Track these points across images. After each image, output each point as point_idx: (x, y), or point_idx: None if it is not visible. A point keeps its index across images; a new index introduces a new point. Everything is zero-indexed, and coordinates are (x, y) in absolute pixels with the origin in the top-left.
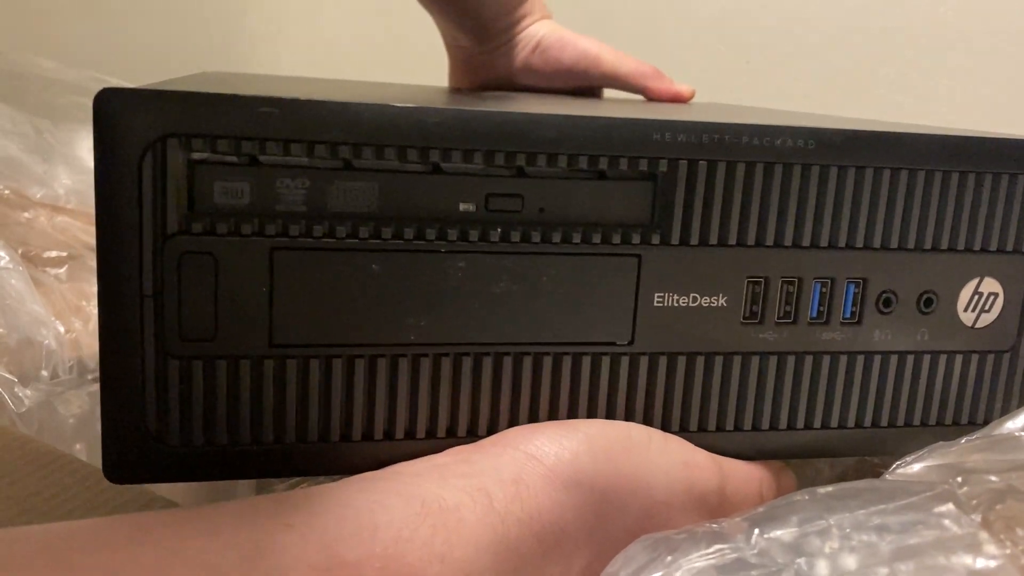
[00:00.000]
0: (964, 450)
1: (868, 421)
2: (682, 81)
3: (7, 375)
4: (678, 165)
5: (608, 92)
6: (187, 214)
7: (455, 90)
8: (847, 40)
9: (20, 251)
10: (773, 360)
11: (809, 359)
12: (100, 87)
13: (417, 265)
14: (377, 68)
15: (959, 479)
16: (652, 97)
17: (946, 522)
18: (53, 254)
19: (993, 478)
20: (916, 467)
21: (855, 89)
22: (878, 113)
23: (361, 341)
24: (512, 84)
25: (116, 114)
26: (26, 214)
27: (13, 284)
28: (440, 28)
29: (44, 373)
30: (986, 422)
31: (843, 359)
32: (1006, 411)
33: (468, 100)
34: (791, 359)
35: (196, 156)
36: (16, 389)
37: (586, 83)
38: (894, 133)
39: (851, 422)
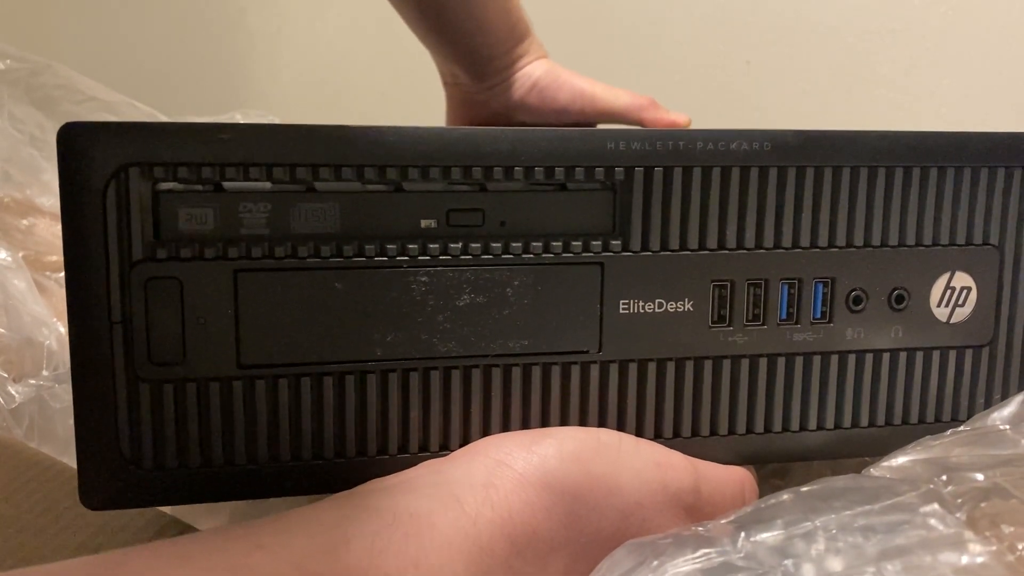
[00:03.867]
0: (950, 444)
1: (848, 422)
2: (681, 80)
3: (0, 372)
4: (634, 173)
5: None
6: (152, 241)
7: None
8: (847, 40)
9: (21, 254)
10: (745, 363)
11: (782, 360)
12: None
13: (380, 281)
14: (377, 68)
15: (944, 477)
16: (649, 128)
17: (932, 521)
18: (54, 258)
19: (978, 476)
20: (901, 460)
21: (855, 89)
22: (878, 113)
23: (328, 359)
24: (508, 122)
25: (79, 147)
26: (24, 221)
27: (16, 284)
28: (439, 66)
29: (45, 373)
30: (969, 418)
31: (816, 359)
32: (988, 407)
33: None
34: (763, 361)
35: (161, 186)
36: (9, 387)
37: (583, 120)
38: (849, 132)
39: (830, 423)
